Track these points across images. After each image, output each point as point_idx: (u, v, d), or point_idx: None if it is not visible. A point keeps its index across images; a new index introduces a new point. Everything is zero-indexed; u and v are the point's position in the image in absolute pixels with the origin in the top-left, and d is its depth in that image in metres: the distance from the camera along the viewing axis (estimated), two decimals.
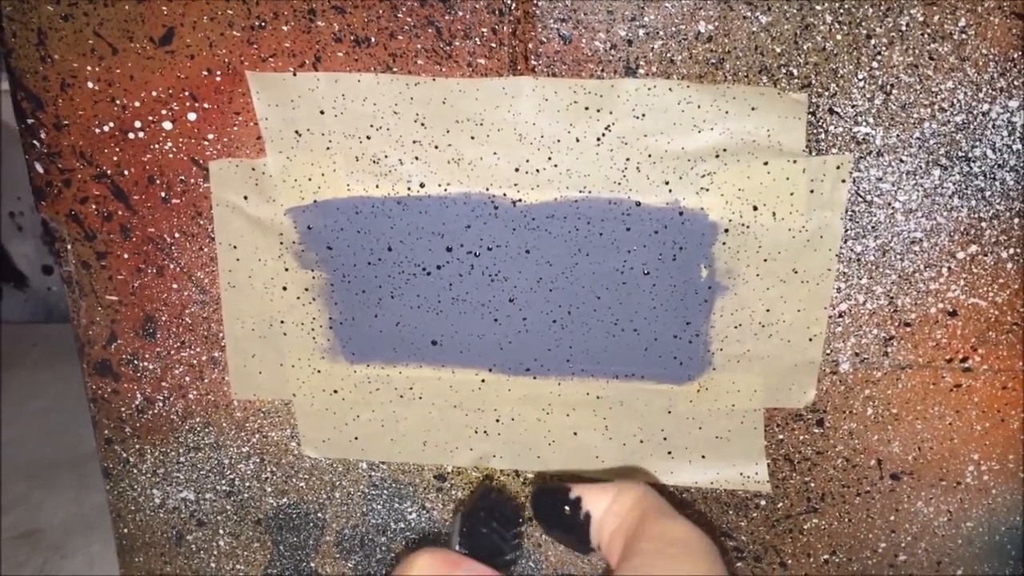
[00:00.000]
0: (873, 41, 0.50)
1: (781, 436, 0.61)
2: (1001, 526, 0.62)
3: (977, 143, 0.52)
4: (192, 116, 0.55)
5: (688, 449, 0.61)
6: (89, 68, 0.54)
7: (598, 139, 0.53)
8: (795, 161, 0.52)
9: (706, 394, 0.59)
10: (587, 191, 0.54)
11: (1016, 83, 0.50)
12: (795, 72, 0.51)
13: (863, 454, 0.61)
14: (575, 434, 0.62)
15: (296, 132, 0.55)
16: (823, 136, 0.52)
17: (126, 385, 0.64)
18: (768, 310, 0.56)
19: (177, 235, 0.59)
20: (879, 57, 0.50)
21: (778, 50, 0.50)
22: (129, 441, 0.66)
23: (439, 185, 0.55)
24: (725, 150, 0.52)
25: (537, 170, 0.54)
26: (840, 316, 0.57)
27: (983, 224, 0.54)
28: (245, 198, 0.57)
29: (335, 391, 0.62)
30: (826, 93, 0.51)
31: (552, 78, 0.52)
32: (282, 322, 0.61)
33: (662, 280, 0.56)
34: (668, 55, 0.51)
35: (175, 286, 0.61)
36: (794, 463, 0.61)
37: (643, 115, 0.52)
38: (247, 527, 0.69)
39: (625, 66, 0.51)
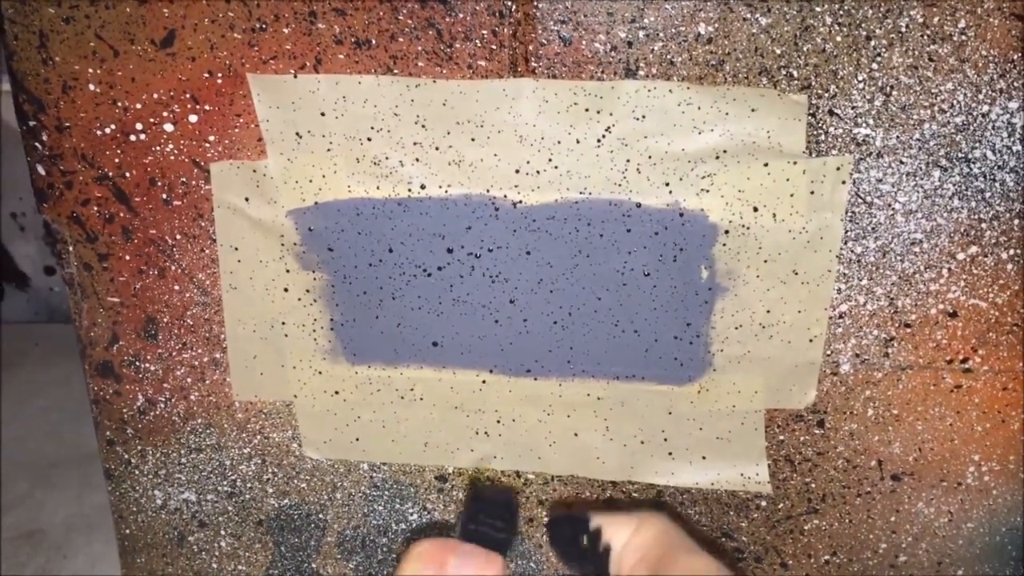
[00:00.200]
0: (873, 43, 0.50)
1: (782, 437, 0.61)
2: (1002, 527, 0.62)
3: (977, 144, 0.52)
4: (193, 118, 0.56)
5: (689, 450, 0.61)
6: (90, 70, 0.55)
7: (598, 140, 0.53)
8: (795, 162, 0.52)
9: (707, 395, 0.59)
10: (587, 192, 0.54)
11: (1016, 84, 0.50)
12: (795, 74, 0.51)
13: (864, 455, 0.61)
14: (576, 435, 0.62)
15: (297, 134, 0.55)
16: (823, 137, 0.52)
17: (128, 386, 0.64)
18: (768, 311, 0.56)
19: (179, 237, 0.59)
20: (879, 59, 0.50)
21: (778, 52, 0.50)
22: (131, 442, 0.67)
23: (440, 187, 0.55)
24: (725, 151, 0.52)
25: (537, 171, 0.54)
26: (840, 317, 0.57)
27: (983, 225, 0.54)
28: (246, 200, 0.57)
29: (336, 392, 0.63)
30: (826, 95, 0.51)
31: (552, 80, 0.52)
32: (283, 323, 0.61)
33: (662, 281, 0.56)
34: (668, 57, 0.51)
35: (177, 288, 0.61)
36: (795, 464, 0.61)
37: (643, 117, 0.52)
38: (249, 528, 0.69)
39: (625, 68, 0.51)
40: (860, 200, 0.54)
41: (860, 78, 0.51)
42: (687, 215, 0.54)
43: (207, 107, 0.55)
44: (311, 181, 0.56)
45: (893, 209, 0.54)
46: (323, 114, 0.54)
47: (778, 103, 0.51)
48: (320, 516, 0.68)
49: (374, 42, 0.52)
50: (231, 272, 0.59)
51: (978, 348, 0.57)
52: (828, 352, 0.58)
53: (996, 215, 0.53)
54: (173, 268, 0.60)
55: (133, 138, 0.56)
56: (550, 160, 0.54)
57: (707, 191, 0.53)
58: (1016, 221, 0.53)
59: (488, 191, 0.55)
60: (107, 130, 0.56)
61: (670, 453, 0.62)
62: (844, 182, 0.53)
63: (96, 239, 0.60)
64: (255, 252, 0.59)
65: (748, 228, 0.54)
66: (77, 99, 0.56)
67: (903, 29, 0.49)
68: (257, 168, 0.56)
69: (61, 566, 1.09)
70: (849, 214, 0.54)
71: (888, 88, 0.51)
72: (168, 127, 0.56)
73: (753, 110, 0.51)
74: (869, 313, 0.56)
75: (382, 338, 0.60)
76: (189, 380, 0.64)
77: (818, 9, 0.49)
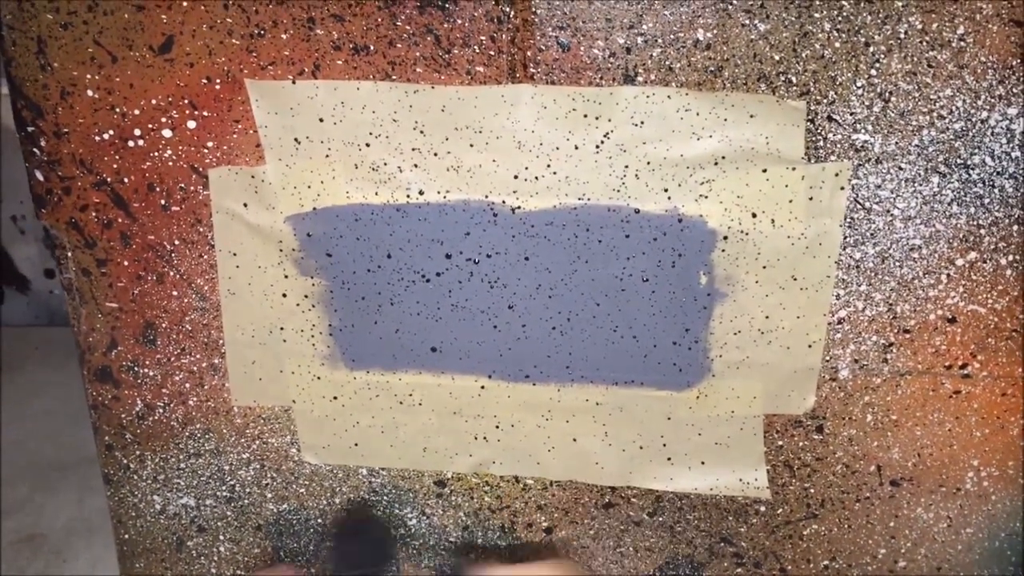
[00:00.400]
0: (872, 48, 0.50)
1: (781, 442, 0.61)
2: (1001, 532, 0.62)
3: (976, 150, 0.52)
4: (192, 124, 0.55)
5: (688, 455, 0.61)
6: (89, 76, 0.55)
7: (597, 146, 0.53)
8: (794, 168, 0.52)
9: (705, 400, 0.59)
10: (586, 198, 0.54)
11: (1015, 90, 0.50)
12: (794, 79, 0.51)
13: (863, 460, 0.60)
14: (575, 440, 0.62)
15: (295, 140, 0.55)
16: (822, 143, 0.52)
17: (126, 392, 0.64)
18: (767, 317, 0.56)
19: (177, 242, 0.59)
20: (878, 64, 0.50)
21: (777, 58, 0.50)
22: (130, 447, 0.67)
23: (438, 192, 0.55)
24: (724, 157, 0.52)
25: (536, 177, 0.54)
26: (839, 323, 0.57)
27: (982, 231, 0.54)
28: (245, 205, 0.57)
29: (335, 397, 0.63)
30: (825, 100, 0.51)
31: (551, 86, 0.52)
32: (282, 329, 0.61)
33: (661, 287, 0.56)
34: (667, 63, 0.51)
35: (175, 293, 0.61)
36: (794, 469, 0.61)
37: (642, 122, 0.52)
38: (247, 533, 0.69)
39: (624, 74, 0.51)
40: (859, 206, 0.54)
41: (859, 84, 0.50)
42: (686, 221, 0.54)
43: (205, 113, 0.55)
44: (310, 187, 0.56)
45: (892, 215, 0.54)
46: (321, 120, 0.54)
47: (777, 109, 0.51)
48: (319, 521, 0.68)
49: (372, 48, 0.52)
50: (229, 277, 0.59)
51: (977, 354, 0.57)
52: (827, 358, 0.58)
53: (995, 221, 0.53)
54: (172, 274, 0.60)
55: (131, 144, 0.56)
56: (549, 166, 0.54)
57: (706, 197, 0.53)
58: (1015, 227, 0.53)
59: (487, 197, 0.55)
60: (105, 136, 0.56)
61: (669, 458, 0.62)
62: (843, 188, 0.53)
63: (95, 245, 0.60)
64: (254, 258, 0.59)
65: (747, 234, 0.54)
66: (75, 105, 0.56)
67: (902, 35, 0.49)
68: (256, 174, 0.56)
69: (61, 570, 1.09)
70: (848, 220, 0.54)
71: (887, 94, 0.51)
72: (166, 133, 0.56)
73: (752, 116, 0.51)
74: (868, 319, 0.56)
75: (381, 343, 0.60)
76: (188, 385, 0.64)
77: (817, 15, 0.49)
